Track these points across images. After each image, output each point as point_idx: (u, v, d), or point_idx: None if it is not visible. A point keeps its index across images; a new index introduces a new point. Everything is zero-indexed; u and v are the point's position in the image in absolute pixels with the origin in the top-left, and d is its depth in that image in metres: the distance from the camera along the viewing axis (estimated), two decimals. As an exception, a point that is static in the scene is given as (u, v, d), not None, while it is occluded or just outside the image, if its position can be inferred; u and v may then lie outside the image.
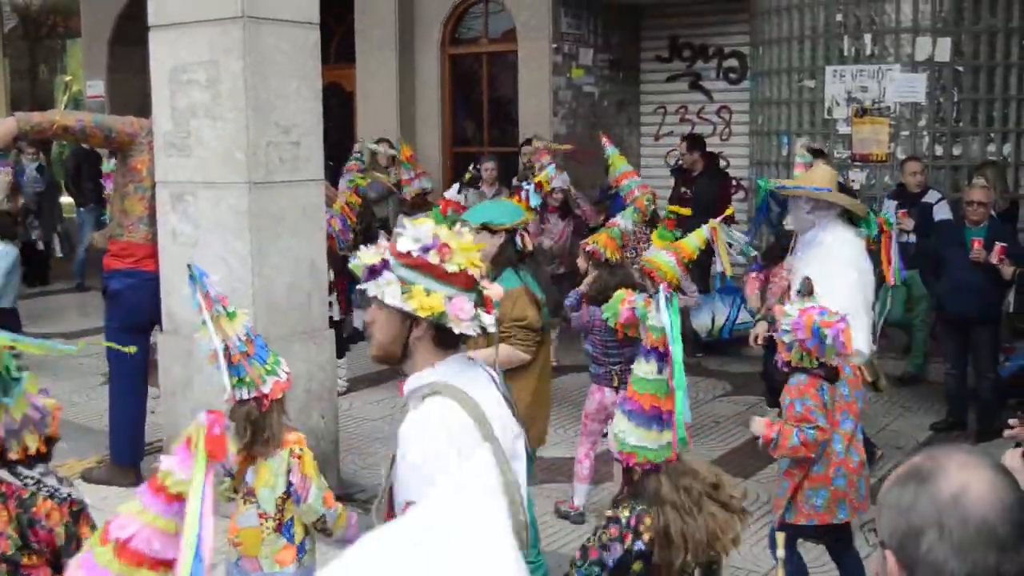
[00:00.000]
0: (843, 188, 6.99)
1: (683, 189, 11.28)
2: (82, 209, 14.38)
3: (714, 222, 6.85)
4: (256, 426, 4.12)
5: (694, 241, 6.74)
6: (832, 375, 4.75)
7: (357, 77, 13.64)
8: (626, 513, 3.23)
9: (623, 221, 7.12)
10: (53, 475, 3.72)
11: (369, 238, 9.58)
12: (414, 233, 2.89)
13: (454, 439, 2.80)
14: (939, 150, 9.97)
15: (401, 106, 13.23)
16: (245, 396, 4.11)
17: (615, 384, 6.32)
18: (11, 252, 9.29)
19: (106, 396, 7.33)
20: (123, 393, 6.95)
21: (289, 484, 4.14)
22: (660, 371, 3.20)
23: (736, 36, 12.80)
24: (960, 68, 9.88)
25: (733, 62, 13.02)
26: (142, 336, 7.02)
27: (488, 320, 2.88)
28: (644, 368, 3.23)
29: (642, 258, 7.01)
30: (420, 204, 10.25)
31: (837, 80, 10.32)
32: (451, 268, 2.84)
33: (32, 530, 3.52)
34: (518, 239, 5.21)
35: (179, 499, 2.15)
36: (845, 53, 10.27)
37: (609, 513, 3.30)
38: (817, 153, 9.58)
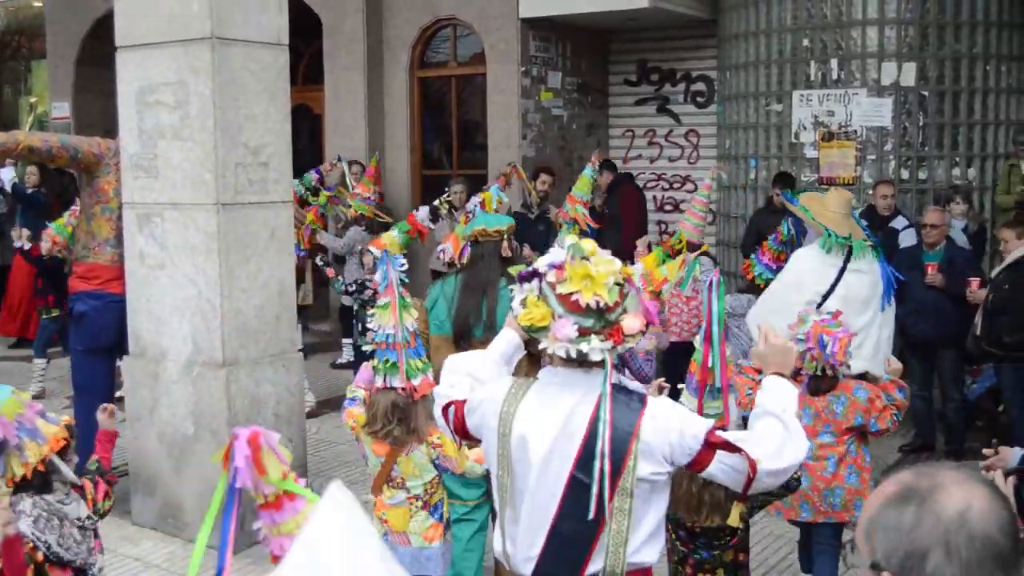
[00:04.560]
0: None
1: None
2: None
3: (687, 255, 6.83)
4: (403, 414, 4.46)
5: (664, 271, 6.69)
6: (821, 386, 5.16)
7: (326, 99, 13.60)
8: None
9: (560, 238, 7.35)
10: (37, 509, 3.67)
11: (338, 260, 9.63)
12: (556, 251, 3.07)
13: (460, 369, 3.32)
14: (905, 174, 10.06)
15: (370, 128, 13.20)
16: (394, 384, 4.45)
17: None
18: None
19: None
20: (89, 417, 6.83)
21: (438, 469, 4.54)
22: None
23: (704, 60, 12.88)
24: (925, 93, 9.98)
25: (701, 86, 13.09)
26: (107, 358, 6.94)
27: (595, 346, 2.97)
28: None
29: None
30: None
31: (804, 104, 10.40)
32: (562, 289, 2.99)
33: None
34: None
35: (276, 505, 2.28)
36: (812, 78, 10.35)
37: None
38: (784, 177, 9.67)
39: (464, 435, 3.34)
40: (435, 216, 7.84)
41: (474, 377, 3.34)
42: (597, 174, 9.73)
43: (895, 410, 5.15)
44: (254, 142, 6.31)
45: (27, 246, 8.98)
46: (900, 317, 8.35)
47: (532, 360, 4.35)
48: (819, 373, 5.09)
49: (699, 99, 13.13)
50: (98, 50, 15.34)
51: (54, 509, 3.76)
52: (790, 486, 4.02)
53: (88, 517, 3.93)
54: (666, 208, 13.35)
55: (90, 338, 6.77)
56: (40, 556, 3.67)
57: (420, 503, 4.55)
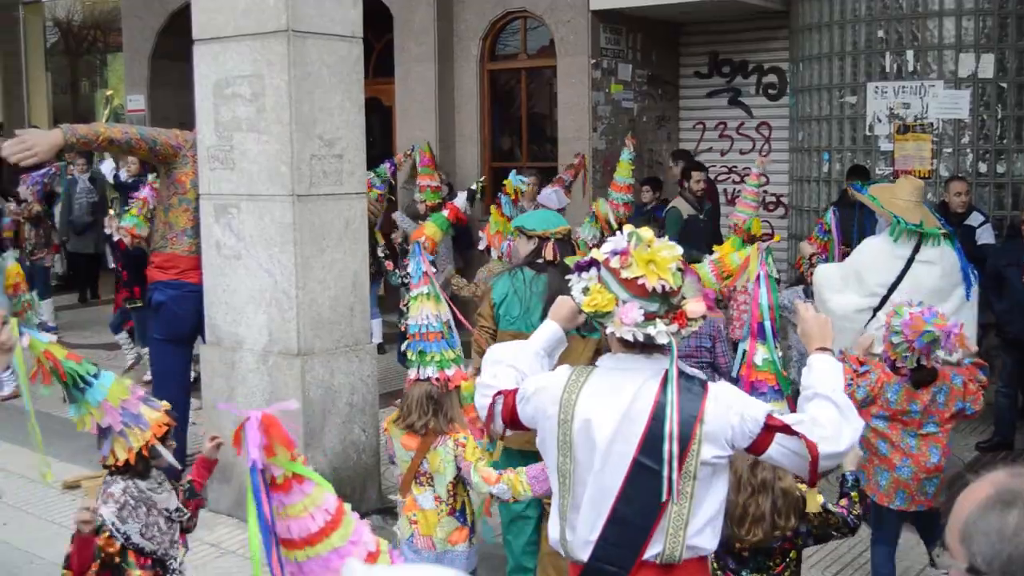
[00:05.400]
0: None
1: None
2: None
3: (755, 247, 6.80)
4: (438, 404, 4.50)
5: (736, 259, 6.67)
6: (924, 378, 5.15)
7: (396, 92, 13.67)
8: None
9: (582, 231, 7.90)
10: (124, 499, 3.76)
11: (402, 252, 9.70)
12: (616, 238, 3.14)
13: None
14: (983, 167, 9.87)
15: (440, 121, 13.25)
16: (428, 375, 4.52)
17: None
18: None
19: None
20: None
21: (458, 469, 4.50)
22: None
23: (776, 52, 12.74)
24: (1004, 85, 9.79)
25: (773, 78, 12.96)
26: (185, 347, 7.04)
27: (661, 329, 3.04)
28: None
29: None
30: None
31: (879, 96, 10.25)
32: (626, 274, 3.06)
33: None
34: (547, 247, 5.29)
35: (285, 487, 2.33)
36: (887, 69, 10.20)
37: None
38: (858, 171, 9.55)
39: (514, 425, 3.37)
40: (472, 200, 7.92)
41: (517, 368, 3.39)
42: (633, 157, 9.80)
43: (982, 391, 5.25)
44: (329, 134, 6.36)
45: (118, 237, 9.02)
46: (997, 314, 8.23)
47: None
48: (917, 365, 5.09)
49: (771, 91, 13.00)
50: (173, 44, 15.56)
51: (144, 496, 3.83)
52: (851, 525, 4.09)
53: (177, 509, 4.00)
54: (735, 202, 13.24)
55: (168, 327, 6.87)
56: (116, 547, 3.73)
57: (446, 507, 4.56)
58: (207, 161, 6.54)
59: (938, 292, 6.32)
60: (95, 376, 3.64)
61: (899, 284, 6.40)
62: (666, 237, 3.22)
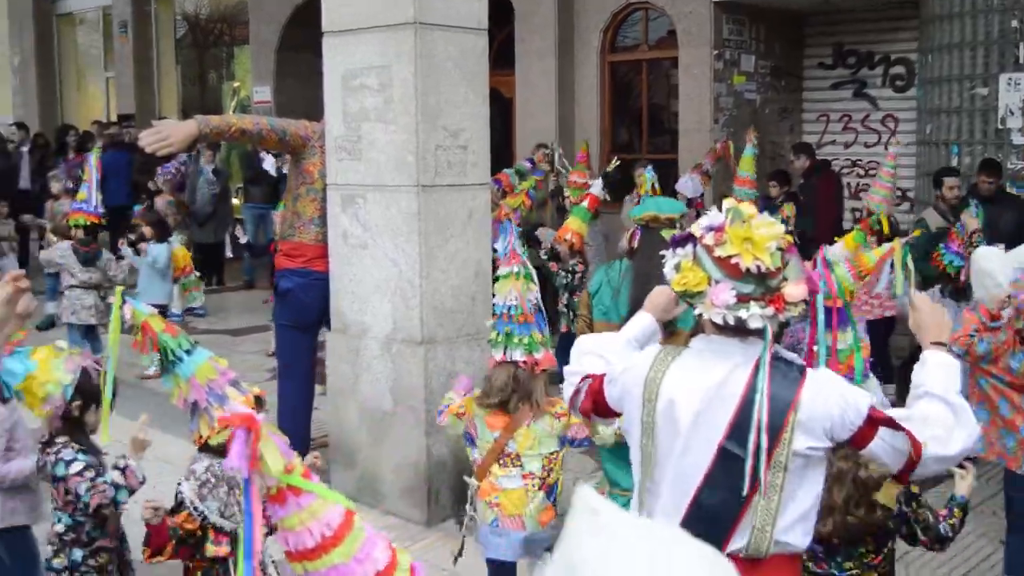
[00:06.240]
0: None
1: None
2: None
3: (897, 241, 6.59)
4: (521, 386, 4.40)
5: (875, 257, 6.48)
6: None
7: (516, 84, 13.73)
8: None
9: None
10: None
11: (531, 242, 9.73)
12: (714, 213, 2.95)
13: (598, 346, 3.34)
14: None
15: (560, 113, 13.28)
16: (515, 357, 4.40)
17: None
18: (163, 251, 9.71)
19: (271, 391, 7.49)
20: (291, 390, 7.11)
21: (567, 441, 4.41)
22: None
23: (904, 43, 12.47)
24: None
25: (900, 69, 12.69)
26: (310, 334, 7.17)
27: (754, 313, 2.85)
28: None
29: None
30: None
31: (1012, 88, 9.96)
32: (720, 252, 2.87)
33: None
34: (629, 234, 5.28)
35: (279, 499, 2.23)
36: (1020, 60, 9.90)
37: None
38: (990, 165, 9.27)
39: (600, 411, 3.27)
40: (607, 185, 7.88)
41: (604, 357, 3.29)
42: (756, 152, 9.70)
43: None
44: (454, 125, 6.42)
45: None
46: None
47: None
48: None
49: (898, 83, 12.73)
50: (298, 37, 15.88)
51: (226, 476, 3.92)
52: (942, 534, 3.83)
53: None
54: (860, 196, 13.00)
55: (294, 314, 7.00)
56: (195, 524, 3.84)
57: (537, 483, 4.42)
58: (335, 151, 6.65)
59: None
60: (188, 352, 3.75)
61: None
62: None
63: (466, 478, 4.70)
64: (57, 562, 4.16)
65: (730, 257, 2.85)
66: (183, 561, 3.98)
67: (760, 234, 2.85)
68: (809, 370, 2.97)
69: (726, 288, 2.86)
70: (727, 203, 2.95)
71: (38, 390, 3.62)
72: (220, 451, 3.90)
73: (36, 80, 22.11)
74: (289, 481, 2.18)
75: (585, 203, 7.62)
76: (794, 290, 2.89)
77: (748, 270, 2.84)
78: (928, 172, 10.87)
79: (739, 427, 2.89)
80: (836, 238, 6.84)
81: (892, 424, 2.87)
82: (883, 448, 2.89)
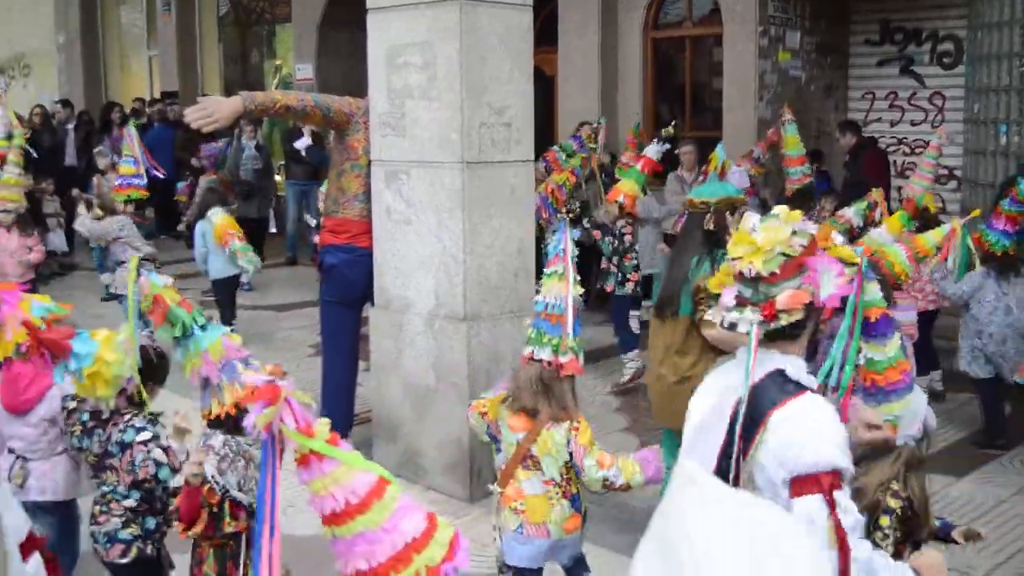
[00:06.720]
0: None
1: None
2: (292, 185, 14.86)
3: (957, 221, 6.46)
4: (547, 388, 4.36)
5: (932, 239, 6.37)
6: None
7: (559, 61, 13.68)
8: None
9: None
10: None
11: (577, 220, 9.71)
12: (754, 215, 2.96)
13: None
14: None
15: (603, 90, 13.21)
16: (542, 356, 4.36)
17: None
18: (207, 229, 9.76)
19: (315, 367, 7.55)
20: (336, 366, 7.14)
21: (570, 454, 4.34)
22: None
23: (952, 20, 12.29)
24: None
25: (948, 46, 12.51)
26: (354, 310, 7.20)
27: (744, 317, 2.81)
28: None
29: (868, 240, 6.59)
30: None
31: (1063, 65, 9.83)
32: (730, 255, 2.89)
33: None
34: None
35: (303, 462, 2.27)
36: (1072, 37, 9.77)
37: None
38: None
39: None
40: (664, 146, 7.82)
41: None
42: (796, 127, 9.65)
43: None
44: (498, 103, 6.41)
45: None
46: None
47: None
48: None
49: (946, 60, 12.56)
50: (340, 14, 15.88)
51: (243, 450, 3.94)
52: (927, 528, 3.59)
53: None
54: (906, 174, 12.83)
55: (339, 290, 7.02)
56: (216, 498, 3.86)
57: (559, 490, 4.38)
58: (379, 128, 6.66)
59: None
60: (202, 328, 3.77)
61: None
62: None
63: (490, 486, 4.67)
64: (127, 532, 4.21)
65: (735, 260, 2.87)
66: (203, 538, 3.99)
67: (763, 238, 2.82)
68: (806, 396, 2.80)
69: (731, 291, 2.88)
70: (777, 209, 2.91)
71: (106, 371, 3.64)
72: (230, 425, 3.92)
73: (81, 59, 22.28)
74: (311, 446, 2.22)
75: (638, 164, 7.59)
76: (786, 298, 2.79)
77: (741, 273, 2.84)
78: (976, 151, 10.75)
79: (728, 440, 2.86)
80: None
81: (833, 506, 2.64)
82: (803, 515, 2.63)
